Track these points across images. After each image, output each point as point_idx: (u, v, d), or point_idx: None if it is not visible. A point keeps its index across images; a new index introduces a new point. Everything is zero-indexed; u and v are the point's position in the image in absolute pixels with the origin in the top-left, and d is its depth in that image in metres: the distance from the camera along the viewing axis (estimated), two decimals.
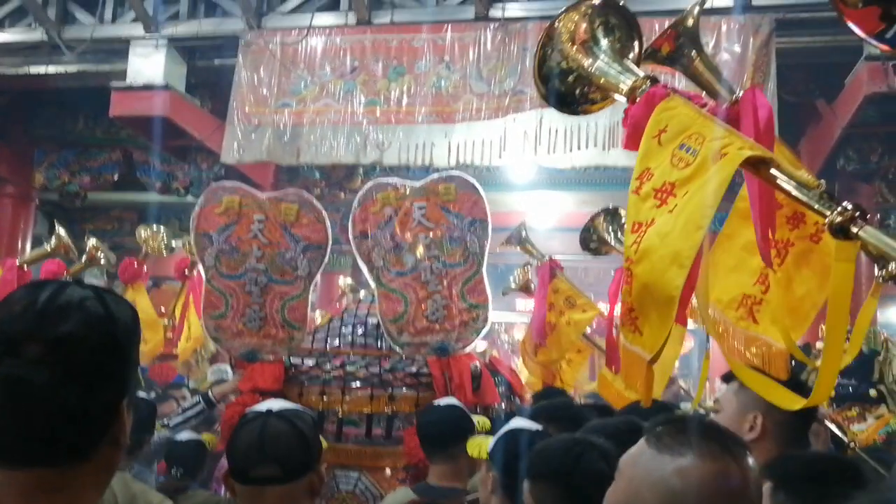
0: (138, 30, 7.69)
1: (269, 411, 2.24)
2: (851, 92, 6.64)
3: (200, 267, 4.39)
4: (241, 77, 7.27)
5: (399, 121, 6.89)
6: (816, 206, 1.51)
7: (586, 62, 2.20)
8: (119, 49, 7.75)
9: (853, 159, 7.46)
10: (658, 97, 1.94)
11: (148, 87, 7.46)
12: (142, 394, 4.69)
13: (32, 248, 10.38)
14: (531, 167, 8.11)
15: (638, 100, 2.02)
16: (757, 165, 1.66)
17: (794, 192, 1.58)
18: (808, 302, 2.13)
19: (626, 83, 2.10)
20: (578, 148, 6.54)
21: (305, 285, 4.30)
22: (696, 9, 2.34)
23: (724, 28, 6.62)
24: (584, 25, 2.21)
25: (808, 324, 2.18)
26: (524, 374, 6.20)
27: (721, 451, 1.29)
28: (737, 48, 6.57)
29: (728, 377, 2.32)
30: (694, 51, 2.36)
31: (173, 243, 6.96)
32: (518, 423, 2.65)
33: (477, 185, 4.25)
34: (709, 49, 6.56)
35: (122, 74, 7.64)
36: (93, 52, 7.85)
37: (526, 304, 9.68)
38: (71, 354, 1.11)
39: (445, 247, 4.15)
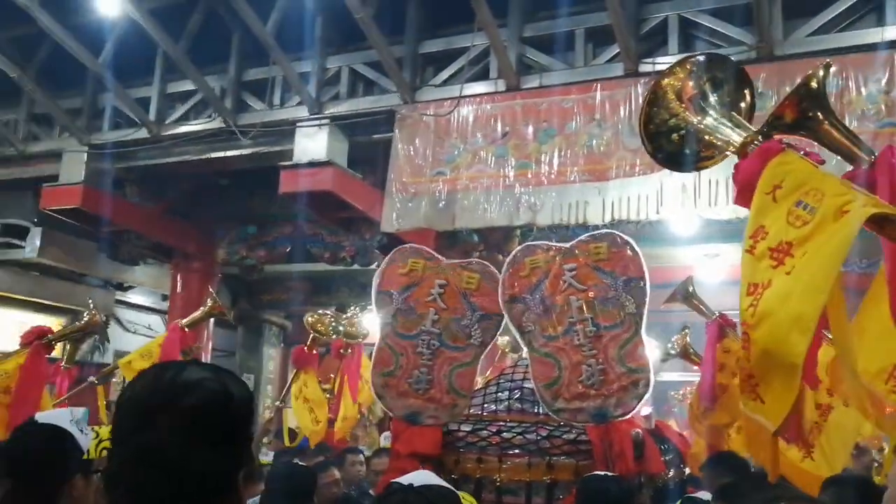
0: (303, 112, 8.26)
1: (410, 486, 2.21)
2: None
3: (379, 323, 4.47)
4: (398, 149, 7.56)
5: (551, 182, 6.88)
6: None
7: (695, 119, 2.16)
8: (287, 131, 8.34)
9: None
10: (772, 152, 1.89)
11: (313, 165, 7.94)
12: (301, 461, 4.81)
13: (216, 319, 11.19)
14: (697, 219, 7.81)
15: (749, 154, 1.96)
16: (881, 223, 1.56)
17: None
18: None
19: (736, 139, 2.05)
20: None
21: (476, 354, 4.32)
22: (821, 72, 2.18)
23: None
24: (690, 82, 2.19)
25: None
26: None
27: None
28: None
29: None
30: (820, 114, 2.19)
31: (340, 326, 7.25)
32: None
33: (631, 241, 4.13)
34: (881, 86, 6.11)
35: (290, 154, 8.19)
36: (264, 136, 8.51)
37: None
38: (190, 426, 1.20)
39: (599, 308, 4.04)
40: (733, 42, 6.73)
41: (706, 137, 2.17)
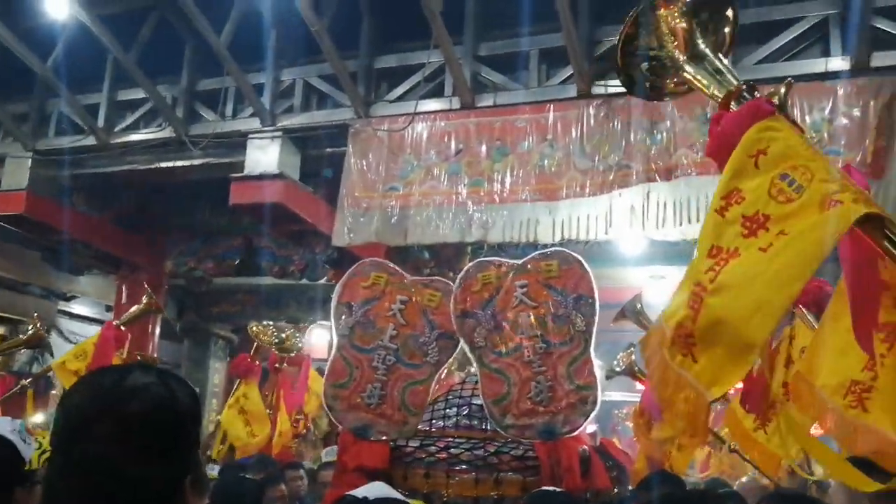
0: (255, 124, 8.19)
1: (364, 499, 2.20)
2: None
3: (336, 334, 4.40)
4: (351, 164, 7.54)
5: (503, 200, 6.94)
6: None
7: (680, 56, 2.02)
8: (238, 142, 8.25)
9: None
10: (763, 112, 1.75)
11: (264, 177, 7.88)
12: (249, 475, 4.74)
13: (162, 331, 10.98)
14: (645, 241, 7.94)
15: (733, 107, 1.83)
16: (863, 224, 1.48)
17: None
18: None
19: (720, 87, 1.93)
20: (689, 221, 6.34)
21: (431, 373, 4.28)
22: (783, 88, 2.11)
23: (840, 92, 6.34)
24: (683, 17, 2.05)
25: None
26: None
27: None
28: (856, 112, 6.26)
29: None
30: None
31: (283, 334, 7.21)
32: None
33: (582, 260, 4.18)
34: (825, 114, 6.30)
35: (241, 166, 8.11)
36: (215, 147, 8.41)
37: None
38: (135, 432, 1.17)
39: (549, 325, 4.07)
40: None
41: (687, 76, 2.03)
